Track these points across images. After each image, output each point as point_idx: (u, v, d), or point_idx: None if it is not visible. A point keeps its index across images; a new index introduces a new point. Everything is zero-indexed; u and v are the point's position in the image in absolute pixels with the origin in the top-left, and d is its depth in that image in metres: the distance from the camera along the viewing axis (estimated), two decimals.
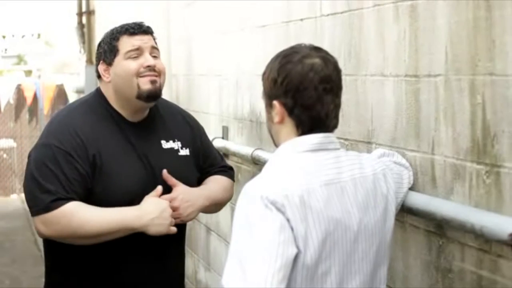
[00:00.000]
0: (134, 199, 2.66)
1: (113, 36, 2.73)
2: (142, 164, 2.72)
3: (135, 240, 2.65)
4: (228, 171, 3.05)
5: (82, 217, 2.56)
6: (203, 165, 2.95)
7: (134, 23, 2.76)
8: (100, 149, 2.66)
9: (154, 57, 2.73)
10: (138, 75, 2.68)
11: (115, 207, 2.61)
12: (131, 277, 2.73)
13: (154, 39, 2.78)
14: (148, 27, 2.77)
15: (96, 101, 2.79)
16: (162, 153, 2.79)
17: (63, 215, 2.56)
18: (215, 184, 2.94)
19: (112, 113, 2.75)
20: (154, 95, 2.71)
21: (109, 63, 2.73)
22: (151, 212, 2.60)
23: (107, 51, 2.73)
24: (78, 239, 2.62)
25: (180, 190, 2.74)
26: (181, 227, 2.83)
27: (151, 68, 2.68)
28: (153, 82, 2.68)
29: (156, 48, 2.76)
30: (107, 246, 2.64)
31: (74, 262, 2.72)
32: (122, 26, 2.75)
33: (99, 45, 2.79)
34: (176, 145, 2.84)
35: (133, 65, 2.68)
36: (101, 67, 2.76)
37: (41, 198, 2.58)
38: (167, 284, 2.82)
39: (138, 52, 2.70)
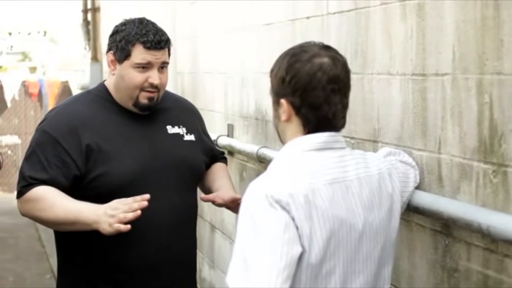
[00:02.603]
0: (134, 182, 2.71)
1: (130, 39, 2.72)
2: (146, 148, 2.78)
3: (145, 224, 2.66)
4: (226, 158, 3.20)
5: (44, 203, 2.67)
6: (210, 154, 3.04)
7: (155, 34, 2.73)
8: (98, 136, 2.74)
9: (162, 68, 2.77)
10: (141, 89, 2.75)
11: (82, 201, 2.64)
12: (141, 262, 2.75)
13: (169, 51, 2.80)
14: (166, 42, 2.76)
15: (99, 91, 2.88)
16: (168, 137, 2.86)
17: (30, 198, 2.70)
18: (227, 174, 3.06)
19: (114, 103, 2.83)
20: (148, 109, 2.80)
21: (118, 60, 2.77)
22: (103, 208, 2.56)
23: (119, 48, 2.75)
24: (44, 223, 2.78)
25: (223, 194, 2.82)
26: (188, 218, 2.88)
27: (153, 85, 2.74)
28: (150, 99, 2.77)
29: (167, 62, 2.79)
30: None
31: (84, 249, 2.76)
32: (141, 32, 2.72)
33: (116, 32, 2.78)
34: (181, 130, 2.91)
35: (138, 78, 2.73)
36: (110, 57, 2.80)
37: (19, 183, 2.76)
38: (179, 266, 2.86)
39: (147, 65, 2.73)
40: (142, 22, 2.77)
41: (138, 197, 2.55)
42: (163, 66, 2.77)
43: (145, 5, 6.57)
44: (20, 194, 2.74)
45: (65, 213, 2.63)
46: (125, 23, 2.79)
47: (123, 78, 2.76)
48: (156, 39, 2.72)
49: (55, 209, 2.65)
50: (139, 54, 2.71)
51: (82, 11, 10.40)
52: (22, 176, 2.74)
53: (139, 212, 2.52)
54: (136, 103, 2.77)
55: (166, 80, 2.81)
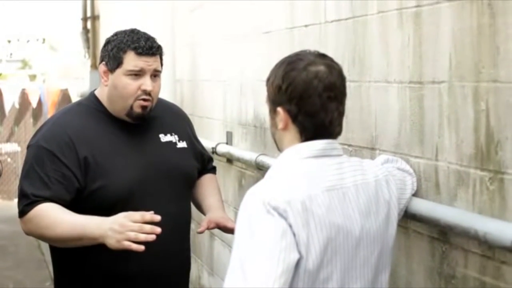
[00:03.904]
0: (133, 193, 2.71)
1: (121, 47, 2.73)
2: (141, 158, 2.78)
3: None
4: (215, 168, 3.20)
5: (49, 219, 2.63)
6: (200, 159, 3.05)
7: (146, 41, 2.74)
8: (94, 148, 2.72)
9: (155, 76, 2.77)
10: (135, 98, 2.74)
11: (86, 215, 2.61)
12: (140, 271, 2.75)
13: (161, 58, 2.80)
14: (158, 49, 2.77)
15: (90, 102, 2.86)
16: (161, 146, 2.86)
17: (34, 216, 2.66)
18: (216, 189, 3.09)
19: (106, 113, 2.82)
20: (142, 118, 2.79)
21: (110, 70, 2.77)
22: (109, 223, 2.53)
23: (111, 57, 2.75)
24: (49, 241, 2.73)
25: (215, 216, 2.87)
26: (183, 226, 2.91)
27: (147, 92, 2.73)
28: (144, 108, 2.76)
29: (159, 70, 2.79)
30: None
31: (81, 260, 2.75)
32: (133, 39, 2.73)
33: (107, 43, 2.79)
34: (174, 138, 2.92)
35: (131, 86, 2.72)
36: (102, 68, 2.80)
37: (20, 201, 2.72)
38: (177, 272, 2.88)
39: (139, 73, 2.73)
40: (133, 31, 2.78)
41: (147, 216, 2.50)
42: (155, 74, 2.76)
43: (144, 13, 6.59)
44: (22, 213, 2.69)
45: (70, 230, 2.59)
46: (116, 34, 2.80)
47: (116, 87, 2.75)
48: (148, 45, 2.73)
49: (59, 226, 2.61)
50: (131, 61, 2.71)
51: (82, 19, 10.42)
52: (23, 194, 2.69)
53: (153, 236, 2.48)
54: (130, 113, 2.76)
55: (159, 89, 2.81)
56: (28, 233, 2.73)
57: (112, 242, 2.51)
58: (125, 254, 2.68)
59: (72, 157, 2.69)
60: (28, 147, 2.79)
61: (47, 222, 2.63)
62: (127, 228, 2.49)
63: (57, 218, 2.62)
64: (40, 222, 2.65)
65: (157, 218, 2.50)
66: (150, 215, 2.50)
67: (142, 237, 2.47)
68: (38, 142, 2.75)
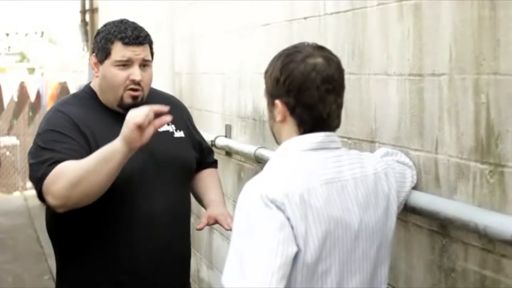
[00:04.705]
0: (133, 183, 2.70)
1: (109, 37, 2.74)
2: (139, 148, 2.75)
3: (145, 223, 2.68)
4: (216, 162, 3.18)
5: (71, 165, 2.54)
6: (198, 148, 3.04)
7: (133, 30, 2.74)
8: (94, 137, 2.71)
9: (144, 66, 2.76)
10: (124, 88, 2.73)
11: None
12: (142, 260, 2.74)
13: (150, 47, 2.79)
14: (145, 38, 2.76)
15: (86, 94, 2.87)
16: (158, 136, 2.82)
17: (56, 172, 2.55)
18: (217, 183, 3.08)
19: (101, 104, 2.82)
20: (133, 107, 2.73)
21: (100, 61, 2.78)
22: (122, 128, 2.48)
23: (100, 48, 2.76)
24: (83, 188, 2.54)
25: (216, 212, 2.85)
26: (183, 215, 2.90)
27: (136, 82, 2.73)
28: (134, 98, 2.75)
29: (148, 59, 2.77)
30: (111, 233, 2.69)
31: (81, 252, 2.75)
32: (120, 30, 2.74)
33: (97, 34, 2.80)
34: (170, 128, 2.91)
35: (120, 76, 2.72)
36: (92, 59, 2.81)
37: (37, 173, 2.59)
38: (178, 262, 2.88)
39: (127, 63, 2.73)
40: (121, 21, 2.79)
41: (155, 107, 2.47)
42: (145, 64, 2.76)
43: (143, 6, 6.58)
44: (43, 177, 2.56)
45: (94, 160, 2.51)
46: (106, 25, 2.81)
47: (105, 78, 2.76)
48: (135, 35, 2.73)
49: (84, 163, 2.52)
50: (118, 51, 2.72)
51: (80, 12, 10.41)
52: (40, 161, 2.59)
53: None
54: (121, 104, 2.76)
55: (150, 79, 2.80)
56: (59, 196, 2.55)
57: (134, 135, 2.44)
58: (129, 243, 2.69)
59: (78, 136, 2.68)
60: (34, 139, 2.74)
61: (70, 169, 2.53)
62: (140, 115, 2.43)
63: (79, 161, 2.55)
64: (64, 174, 2.53)
65: (166, 108, 2.48)
66: (157, 106, 2.48)
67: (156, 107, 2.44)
68: (44, 127, 2.73)
